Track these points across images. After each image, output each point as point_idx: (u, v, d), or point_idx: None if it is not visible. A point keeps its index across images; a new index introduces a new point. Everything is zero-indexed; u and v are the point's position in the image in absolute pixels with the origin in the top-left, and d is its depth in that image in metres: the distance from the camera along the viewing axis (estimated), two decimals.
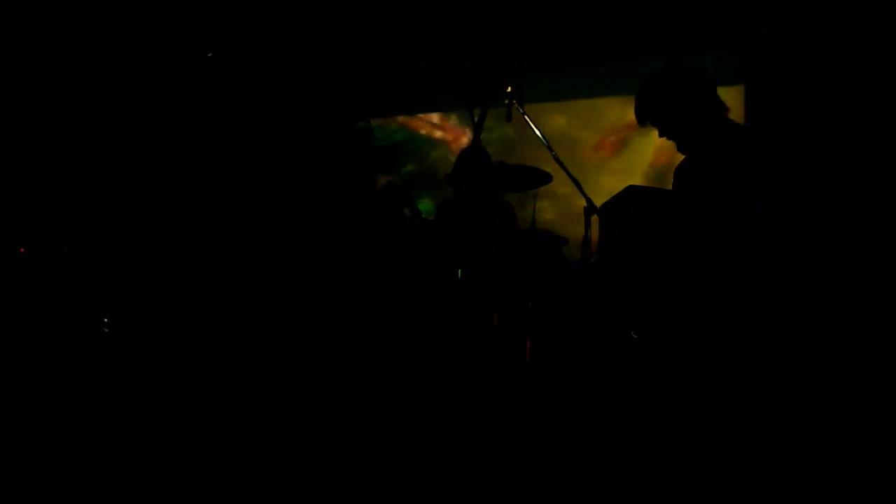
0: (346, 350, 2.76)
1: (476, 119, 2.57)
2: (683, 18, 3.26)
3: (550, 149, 2.48)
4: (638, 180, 3.50)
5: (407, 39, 3.33)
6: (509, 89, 2.54)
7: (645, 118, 2.44)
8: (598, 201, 2.49)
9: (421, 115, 3.69)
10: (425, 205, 3.35)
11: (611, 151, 3.57)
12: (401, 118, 3.65)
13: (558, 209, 3.45)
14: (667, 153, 3.21)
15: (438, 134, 3.75)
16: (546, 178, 2.75)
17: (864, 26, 2.86)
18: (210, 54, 2.72)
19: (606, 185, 2.67)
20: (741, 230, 2.28)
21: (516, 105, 2.55)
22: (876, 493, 2.18)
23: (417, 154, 3.68)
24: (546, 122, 2.51)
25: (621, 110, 3.63)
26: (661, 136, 2.46)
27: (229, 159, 2.97)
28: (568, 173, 2.48)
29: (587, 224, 2.51)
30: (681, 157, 2.45)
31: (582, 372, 2.53)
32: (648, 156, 3.63)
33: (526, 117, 2.51)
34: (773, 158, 2.38)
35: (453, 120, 3.74)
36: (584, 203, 2.51)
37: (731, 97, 3.01)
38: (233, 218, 2.95)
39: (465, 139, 3.75)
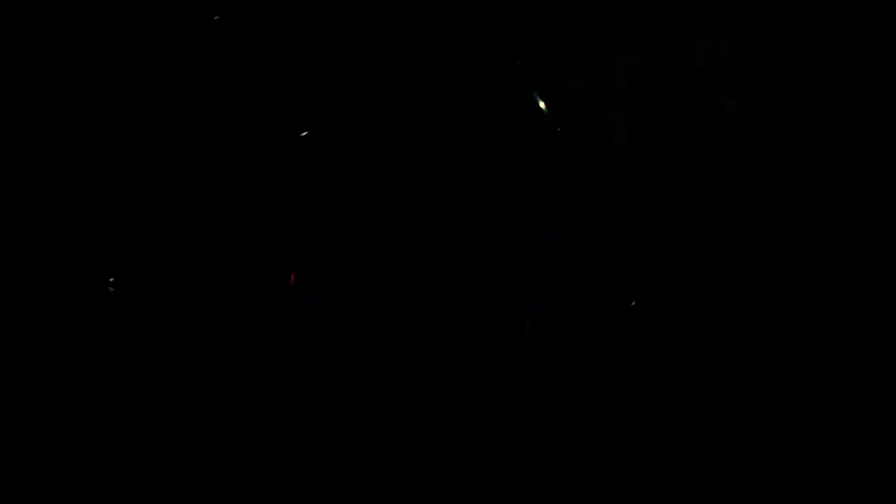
0: (347, 350, 2.76)
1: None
2: (683, 18, 3.26)
3: None
4: None
5: (407, 39, 3.33)
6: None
7: None
8: None
9: None
10: None
11: None
12: None
13: None
14: None
15: None
16: None
17: (864, 26, 2.86)
18: (216, 17, 2.70)
19: None
20: (741, 231, 2.28)
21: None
22: (876, 493, 2.18)
23: None
24: None
25: None
26: None
27: (229, 159, 2.97)
28: None
29: None
30: None
31: (582, 372, 2.52)
32: None
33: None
34: (772, 158, 2.38)
35: None
36: None
37: None
38: (233, 218, 2.95)
39: None
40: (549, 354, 2.62)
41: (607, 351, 2.49)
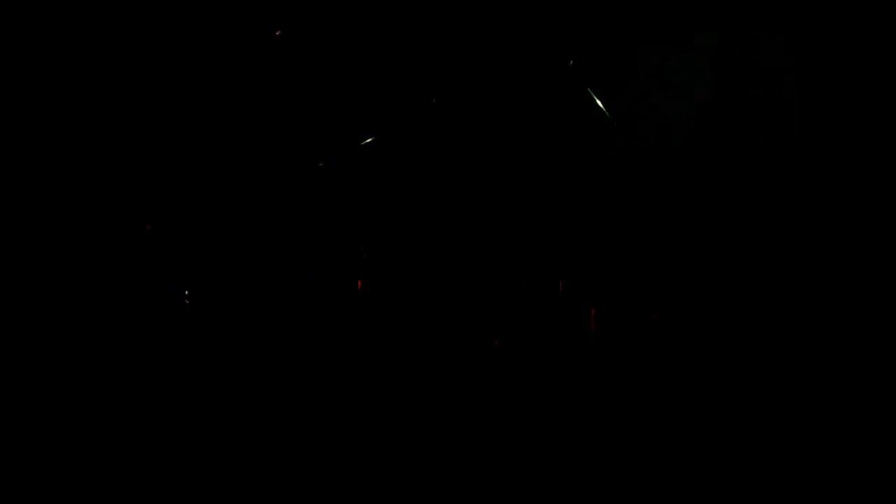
0: (347, 349, 2.76)
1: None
2: (690, 20, 3.25)
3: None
4: None
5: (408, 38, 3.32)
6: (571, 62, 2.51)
7: None
8: None
9: None
10: None
11: None
12: None
13: None
14: None
15: None
16: None
17: (864, 26, 2.86)
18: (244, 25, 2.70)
19: None
20: (741, 230, 2.28)
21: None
22: (876, 493, 2.19)
23: None
24: None
25: None
26: None
27: (228, 158, 2.97)
28: None
29: None
30: None
31: (582, 371, 2.53)
32: None
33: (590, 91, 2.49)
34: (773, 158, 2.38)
35: None
36: None
37: None
38: (233, 216, 2.95)
39: None
40: (551, 353, 2.62)
41: (608, 349, 2.49)
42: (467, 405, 2.53)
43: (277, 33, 2.68)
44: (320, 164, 2.59)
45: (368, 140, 2.69)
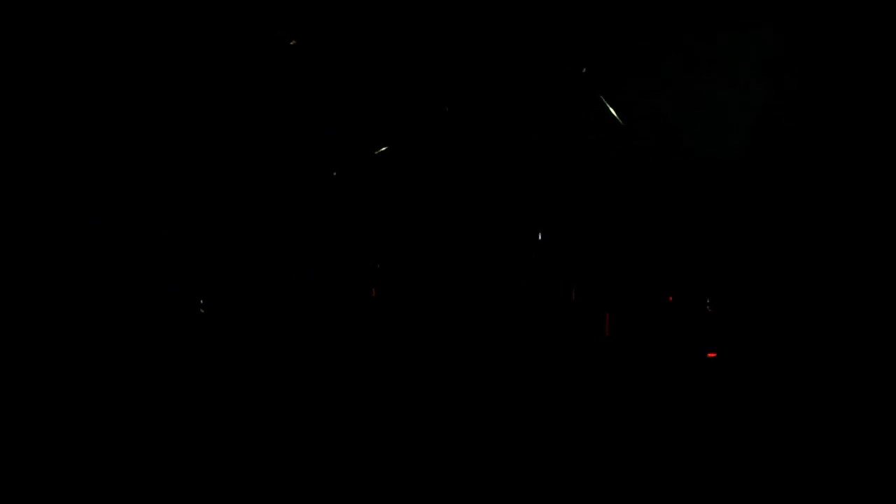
0: (348, 348, 2.76)
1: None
2: (693, 19, 3.25)
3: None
4: None
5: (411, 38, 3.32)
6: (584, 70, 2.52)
7: None
8: None
9: None
10: None
11: None
12: None
13: None
14: None
15: None
16: None
17: (864, 26, 2.86)
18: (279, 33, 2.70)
19: None
20: (743, 229, 2.29)
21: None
22: (876, 492, 2.19)
23: None
24: None
25: None
26: None
27: (228, 158, 2.97)
28: None
29: None
30: None
31: (582, 372, 2.53)
32: None
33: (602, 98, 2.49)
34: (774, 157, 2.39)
35: None
36: None
37: None
38: (234, 215, 2.95)
39: None
40: (554, 351, 2.62)
41: (609, 348, 2.49)
42: (468, 405, 2.53)
43: (293, 43, 2.68)
44: (334, 174, 2.60)
45: (382, 149, 2.69)
